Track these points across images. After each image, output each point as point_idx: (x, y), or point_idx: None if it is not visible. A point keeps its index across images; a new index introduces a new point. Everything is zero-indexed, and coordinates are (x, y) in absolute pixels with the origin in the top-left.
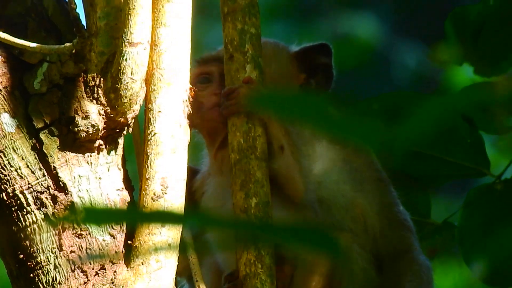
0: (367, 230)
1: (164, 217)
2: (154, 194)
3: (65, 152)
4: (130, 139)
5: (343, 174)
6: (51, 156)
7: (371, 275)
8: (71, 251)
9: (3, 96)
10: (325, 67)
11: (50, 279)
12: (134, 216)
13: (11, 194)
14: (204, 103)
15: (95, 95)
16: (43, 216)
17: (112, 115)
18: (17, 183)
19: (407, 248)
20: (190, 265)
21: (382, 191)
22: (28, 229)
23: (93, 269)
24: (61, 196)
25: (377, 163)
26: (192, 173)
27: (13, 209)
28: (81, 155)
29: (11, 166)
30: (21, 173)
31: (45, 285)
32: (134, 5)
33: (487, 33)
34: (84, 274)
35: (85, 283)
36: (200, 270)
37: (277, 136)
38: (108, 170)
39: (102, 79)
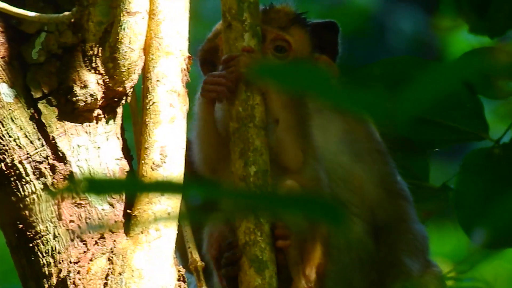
0: (364, 200)
1: (164, 187)
2: (153, 163)
3: (63, 122)
4: (128, 109)
5: (342, 145)
6: (49, 126)
7: (367, 245)
8: (71, 221)
9: (1, 66)
10: (332, 44)
11: (50, 248)
12: (135, 185)
13: (9, 164)
14: None
15: (93, 65)
16: (42, 186)
17: (111, 85)
18: (15, 153)
19: (403, 217)
20: (183, 232)
21: (381, 162)
22: (27, 199)
23: (92, 238)
24: (60, 166)
25: (376, 133)
26: (190, 145)
27: (12, 179)
28: (80, 124)
29: (10, 136)
30: (20, 143)
31: (45, 255)
32: None
33: (494, 7)
34: (83, 244)
35: (84, 252)
36: (193, 237)
37: (273, 109)
38: (107, 139)
39: (100, 48)
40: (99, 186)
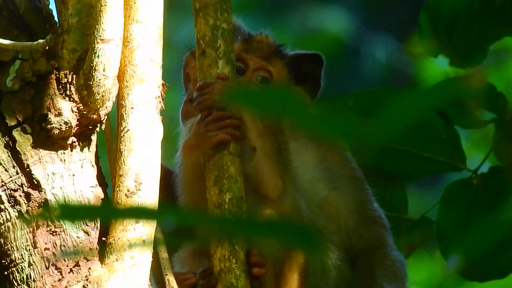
0: (340, 227)
1: (139, 213)
2: (128, 191)
3: (38, 150)
4: (102, 136)
5: (318, 172)
6: (24, 153)
7: (344, 272)
8: (46, 249)
9: None
10: (314, 77)
11: (25, 276)
12: (109, 212)
13: None
14: None
15: (68, 92)
16: (17, 213)
17: (85, 112)
18: None
19: (380, 244)
20: (160, 259)
21: (357, 188)
22: (2, 227)
23: (67, 266)
24: (34, 193)
25: (352, 160)
26: (165, 172)
27: None
28: (54, 152)
29: None
30: None
31: (20, 283)
32: (106, 2)
33: (461, 25)
34: (58, 271)
35: (59, 280)
36: (170, 264)
37: (250, 137)
38: (82, 167)
39: (74, 76)
40: (74, 212)
